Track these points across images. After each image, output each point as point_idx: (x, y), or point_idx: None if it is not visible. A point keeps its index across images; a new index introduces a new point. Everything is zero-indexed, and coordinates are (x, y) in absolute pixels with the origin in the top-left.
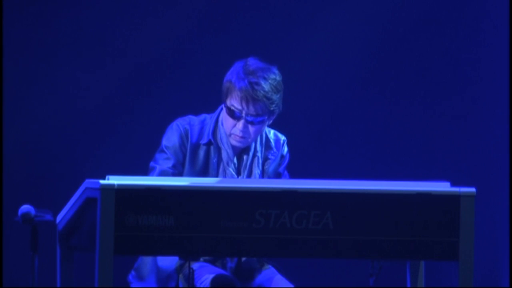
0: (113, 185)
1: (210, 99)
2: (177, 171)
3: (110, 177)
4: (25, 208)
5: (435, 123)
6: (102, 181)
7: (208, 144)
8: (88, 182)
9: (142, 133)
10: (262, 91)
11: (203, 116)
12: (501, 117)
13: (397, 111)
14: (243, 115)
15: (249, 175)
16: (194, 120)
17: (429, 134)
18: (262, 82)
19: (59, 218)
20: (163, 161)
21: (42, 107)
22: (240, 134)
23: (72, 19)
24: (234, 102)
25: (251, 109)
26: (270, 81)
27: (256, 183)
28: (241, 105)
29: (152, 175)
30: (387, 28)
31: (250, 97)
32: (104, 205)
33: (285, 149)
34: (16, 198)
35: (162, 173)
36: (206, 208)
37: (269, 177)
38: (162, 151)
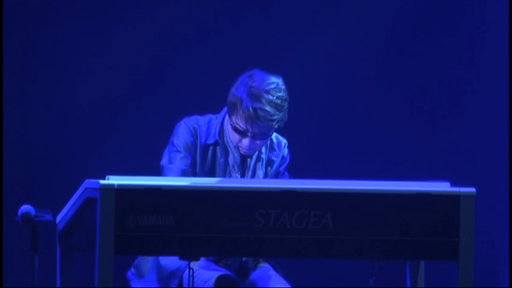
0: (113, 185)
1: (213, 100)
2: (194, 169)
3: (110, 177)
4: (25, 208)
5: (435, 123)
6: (102, 181)
7: (215, 144)
8: (88, 182)
9: (142, 133)
10: (266, 115)
11: (208, 116)
12: (501, 117)
13: (397, 111)
14: (249, 134)
15: (253, 177)
16: (200, 120)
17: (429, 134)
18: (267, 107)
19: (59, 218)
20: (180, 160)
21: (42, 107)
22: (247, 148)
23: (72, 18)
24: (239, 121)
25: (256, 130)
26: (275, 101)
27: (256, 183)
28: (246, 126)
29: (172, 176)
30: (387, 29)
31: (254, 120)
32: (104, 205)
33: (286, 151)
34: (16, 198)
35: (183, 173)
36: (206, 208)
37: (270, 177)
38: (178, 151)
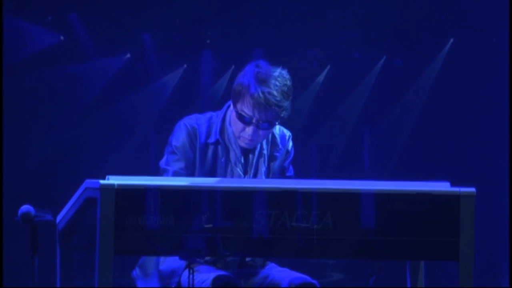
0: (113, 185)
1: (214, 99)
2: (189, 171)
3: (110, 177)
4: (25, 208)
5: (436, 124)
6: (102, 181)
7: (216, 143)
8: (88, 182)
9: (143, 134)
10: (274, 100)
11: (209, 114)
12: (501, 117)
13: (398, 112)
14: (254, 121)
15: (255, 173)
16: (200, 119)
17: (430, 135)
18: (275, 91)
19: (59, 218)
20: (175, 163)
21: (42, 107)
22: (249, 138)
23: (72, 17)
24: (245, 108)
25: (263, 116)
26: (282, 88)
27: (256, 183)
28: (253, 112)
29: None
30: (389, 29)
31: (262, 105)
32: (104, 205)
33: (290, 144)
34: (16, 198)
35: (175, 175)
36: (205, 208)
37: (274, 173)
38: (173, 152)
